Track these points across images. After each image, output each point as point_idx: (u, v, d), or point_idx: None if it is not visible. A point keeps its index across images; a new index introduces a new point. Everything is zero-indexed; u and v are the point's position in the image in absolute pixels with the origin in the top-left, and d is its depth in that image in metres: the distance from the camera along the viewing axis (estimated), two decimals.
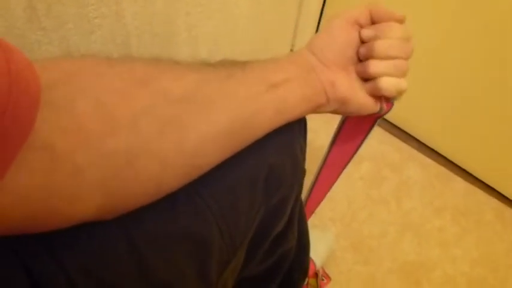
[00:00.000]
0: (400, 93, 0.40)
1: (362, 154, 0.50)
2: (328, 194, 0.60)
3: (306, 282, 0.73)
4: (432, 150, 1.08)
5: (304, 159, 0.44)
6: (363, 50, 0.39)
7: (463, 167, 1.05)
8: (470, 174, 1.04)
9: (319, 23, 1.08)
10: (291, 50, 1.08)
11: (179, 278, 0.32)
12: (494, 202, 1.01)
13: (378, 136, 1.08)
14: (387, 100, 0.42)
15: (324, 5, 1.04)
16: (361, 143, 0.49)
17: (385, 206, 0.96)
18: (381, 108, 0.42)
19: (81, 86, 0.25)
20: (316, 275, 0.78)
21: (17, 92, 0.20)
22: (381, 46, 0.38)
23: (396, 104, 0.43)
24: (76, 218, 0.25)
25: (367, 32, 0.39)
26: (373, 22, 0.40)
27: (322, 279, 0.77)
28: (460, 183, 1.03)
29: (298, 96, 0.35)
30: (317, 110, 0.39)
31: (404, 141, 1.09)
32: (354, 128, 0.48)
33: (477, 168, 1.03)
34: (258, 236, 0.41)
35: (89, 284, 0.27)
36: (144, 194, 0.28)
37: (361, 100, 0.40)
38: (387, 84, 0.38)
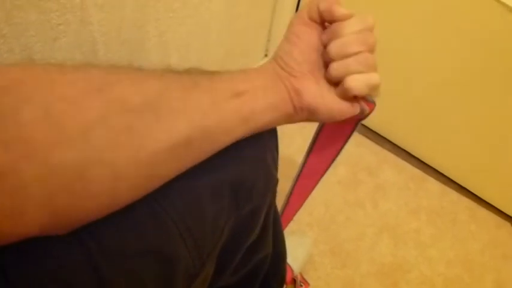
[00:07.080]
0: (372, 88, 0.37)
1: (338, 158, 0.49)
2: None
3: None
4: (406, 152, 1.09)
5: (276, 168, 0.43)
6: (323, 56, 0.38)
7: (437, 168, 1.07)
8: (444, 175, 1.06)
9: None
10: (265, 55, 1.08)
11: None
12: (467, 202, 1.03)
13: (353, 140, 1.08)
14: (365, 100, 0.39)
15: (297, 8, 1.05)
16: (341, 148, 0.47)
17: (362, 209, 0.96)
18: (362, 110, 0.39)
19: (29, 94, 0.23)
20: (294, 281, 0.77)
21: None
22: (334, 47, 0.36)
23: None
24: (16, 235, 0.24)
25: (322, 37, 0.37)
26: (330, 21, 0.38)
27: (301, 285, 0.77)
28: (434, 184, 1.05)
29: (264, 105, 0.34)
30: (288, 120, 0.38)
31: (379, 144, 1.10)
32: (332, 133, 0.47)
33: (450, 169, 1.05)
34: (230, 247, 0.40)
35: None
36: (96, 208, 0.27)
37: (332, 106, 0.38)
38: (353, 82, 0.36)
